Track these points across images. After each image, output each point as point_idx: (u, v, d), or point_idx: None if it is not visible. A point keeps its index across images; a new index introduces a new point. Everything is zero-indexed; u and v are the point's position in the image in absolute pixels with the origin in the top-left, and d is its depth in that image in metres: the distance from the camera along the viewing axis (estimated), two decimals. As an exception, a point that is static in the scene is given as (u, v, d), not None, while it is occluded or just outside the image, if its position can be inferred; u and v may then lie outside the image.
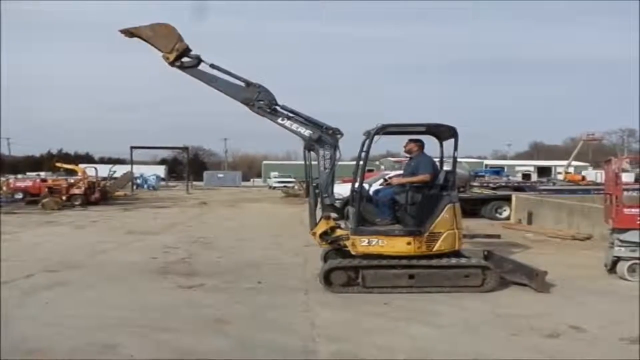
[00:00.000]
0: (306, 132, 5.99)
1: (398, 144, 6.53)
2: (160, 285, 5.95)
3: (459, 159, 5.99)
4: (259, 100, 6.02)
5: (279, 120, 6.11)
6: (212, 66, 6.09)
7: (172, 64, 6.11)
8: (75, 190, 19.18)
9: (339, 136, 6.04)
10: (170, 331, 4.25)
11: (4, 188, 20.30)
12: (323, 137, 5.99)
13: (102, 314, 4.74)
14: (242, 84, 6.09)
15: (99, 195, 19.72)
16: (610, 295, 5.55)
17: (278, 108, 6.07)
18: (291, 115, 6.08)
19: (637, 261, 6.05)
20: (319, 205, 5.98)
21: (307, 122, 6.06)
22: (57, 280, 6.14)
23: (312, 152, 6.11)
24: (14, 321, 4.49)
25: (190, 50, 6.12)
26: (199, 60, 6.15)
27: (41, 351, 3.77)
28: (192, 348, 3.85)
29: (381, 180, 11.20)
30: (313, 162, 6.16)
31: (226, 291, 5.63)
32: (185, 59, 6.14)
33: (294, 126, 6.05)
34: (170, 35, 6.07)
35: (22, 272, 6.49)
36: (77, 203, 18.52)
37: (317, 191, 6.05)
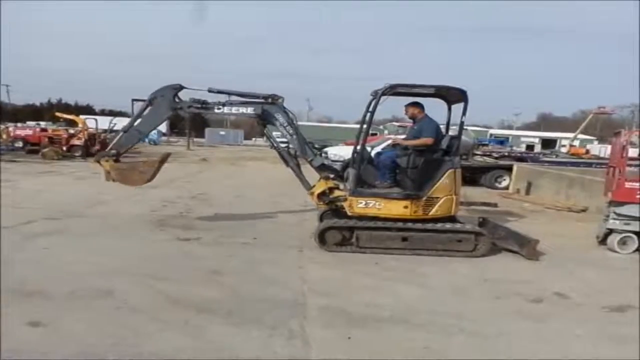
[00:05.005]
0: (249, 111, 5.93)
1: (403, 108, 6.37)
2: (158, 237, 6.06)
3: (465, 126, 5.90)
4: (182, 102, 6.07)
5: (216, 111, 6.04)
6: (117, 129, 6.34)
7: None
8: (76, 141, 19.19)
9: (280, 100, 5.99)
10: (165, 280, 4.37)
11: (4, 136, 20.30)
12: (266, 108, 5.92)
13: (100, 261, 4.86)
14: (149, 107, 6.20)
15: (99, 147, 19.66)
16: (598, 266, 5.65)
17: (207, 99, 6.03)
18: (225, 98, 5.99)
19: (629, 234, 6.13)
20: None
21: (243, 98, 5.99)
22: (57, 227, 6.25)
23: (268, 125, 6.13)
24: (14, 264, 4.61)
25: (105, 155, 6.39)
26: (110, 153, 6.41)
27: (40, 293, 3.89)
28: (186, 296, 3.97)
29: (385, 144, 11.14)
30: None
31: (222, 245, 5.74)
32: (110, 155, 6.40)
33: (234, 109, 5.97)
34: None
35: (23, 218, 6.60)
36: (77, 154, 18.58)
37: (296, 154, 6.13)
